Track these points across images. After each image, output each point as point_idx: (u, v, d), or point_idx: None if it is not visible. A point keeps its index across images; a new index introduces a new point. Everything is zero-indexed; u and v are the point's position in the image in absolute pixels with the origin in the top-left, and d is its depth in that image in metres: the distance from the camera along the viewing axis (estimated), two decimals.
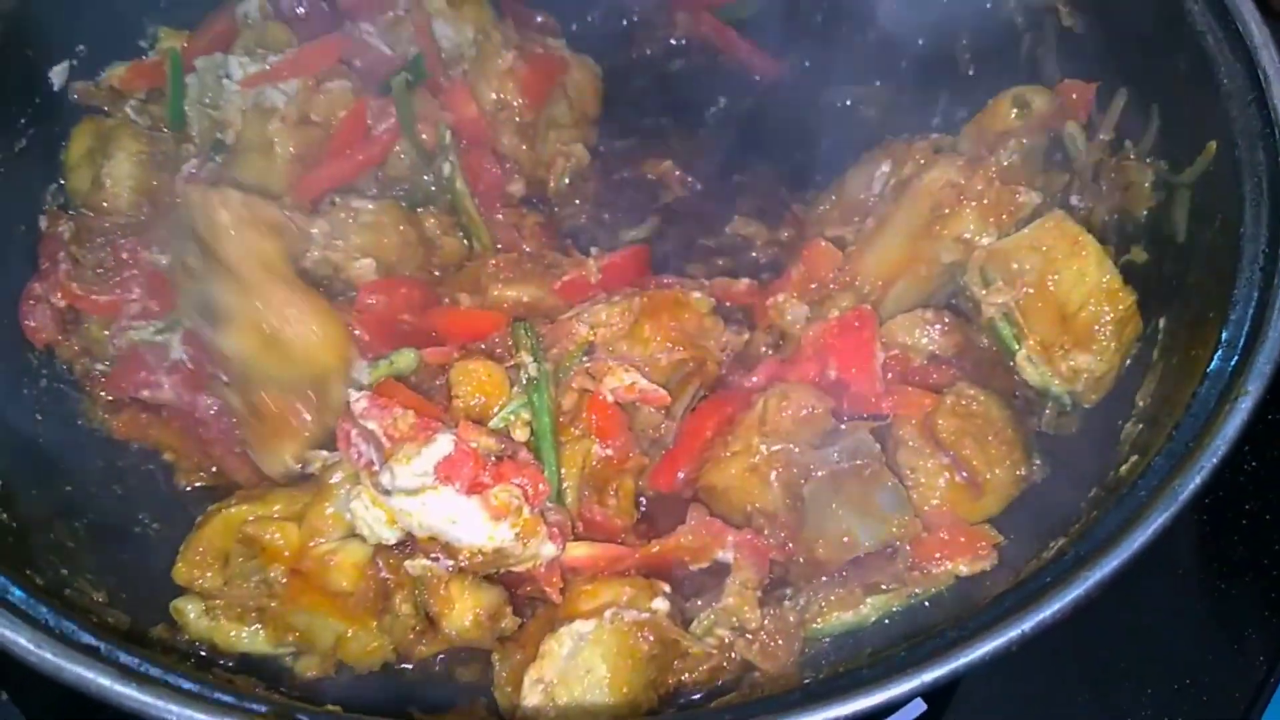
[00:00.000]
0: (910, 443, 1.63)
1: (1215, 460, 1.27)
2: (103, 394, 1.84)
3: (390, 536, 1.49)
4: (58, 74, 1.95)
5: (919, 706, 1.73)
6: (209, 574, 1.56)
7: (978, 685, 1.77)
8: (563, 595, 1.50)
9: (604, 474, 1.63)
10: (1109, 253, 1.71)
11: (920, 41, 2.21)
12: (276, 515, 1.56)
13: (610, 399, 1.64)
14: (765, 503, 1.60)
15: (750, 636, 1.45)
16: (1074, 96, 1.85)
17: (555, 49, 2.18)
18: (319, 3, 2.09)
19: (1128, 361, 1.70)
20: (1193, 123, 1.64)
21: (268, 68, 1.93)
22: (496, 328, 1.70)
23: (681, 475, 1.67)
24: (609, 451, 1.62)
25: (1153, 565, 1.23)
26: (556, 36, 2.24)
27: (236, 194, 1.66)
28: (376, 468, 1.47)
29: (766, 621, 1.47)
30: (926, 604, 1.54)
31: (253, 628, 1.52)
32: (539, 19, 2.26)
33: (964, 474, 1.60)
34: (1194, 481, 1.25)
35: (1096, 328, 1.69)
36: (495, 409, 1.59)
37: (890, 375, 1.71)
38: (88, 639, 1.14)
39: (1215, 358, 1.39)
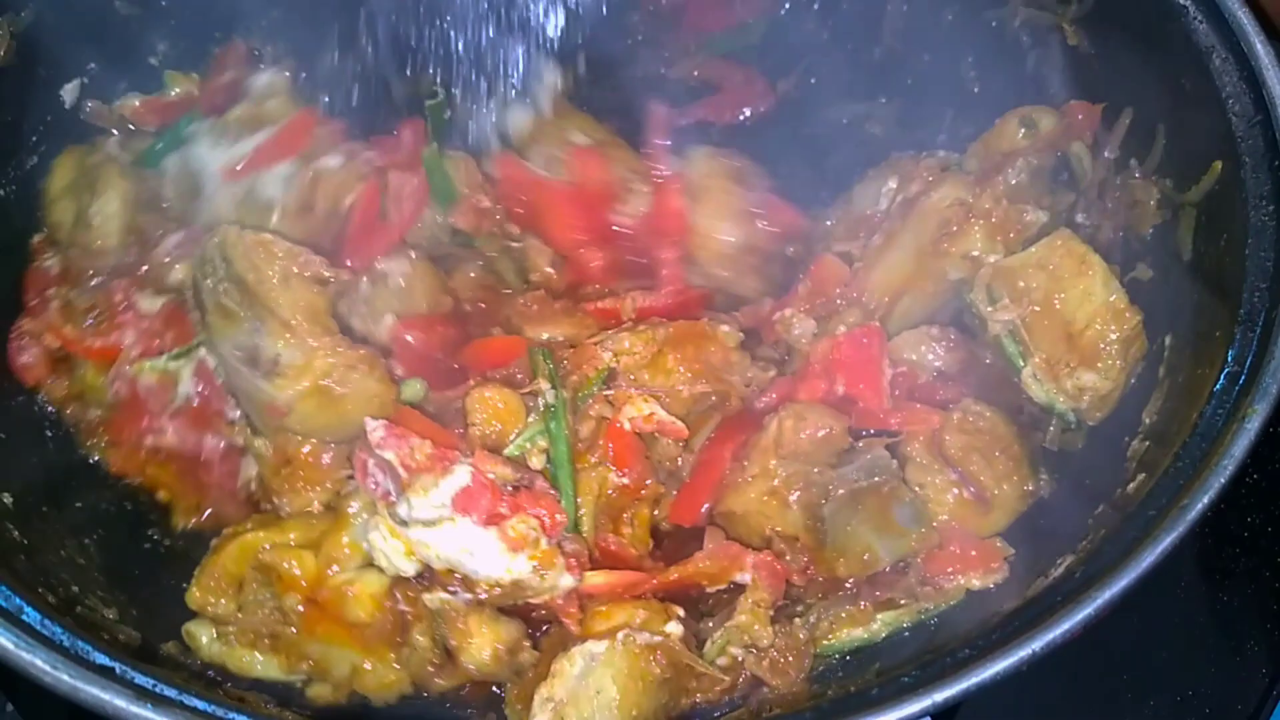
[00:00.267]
0: (918, 459, 1.64)
1: (1223, 480, 1.27)
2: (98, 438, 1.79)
3: (408, 568, 1.48)
4: (69, 92, 1.97)
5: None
6: (223, 600, 1.54)
7: (980, 697, 1.77)
8: (580, 625, 1.50)
9: (619, 502, 1.63)
10: (1115, 272, 1.72)
11: (926, 59, 2.22)
12: (293, 543, 1.55)
13: (628, 428, 1.63)
14: (785, 525, 1.60)
15: (760, 653, 1.45)
16: (1080, 117, 1.86)
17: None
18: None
19: (1132, 380, 1.71)
20: (1198, 142, 1.65)
21: (244, 153, 1.87)
22: (517, 354, 1.69)
23: (705, 508, 1.66)
24: (625, 480, 1.62)
25: (1155, 577, 1.23)
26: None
27: (284, 242, 1.64)
28: (394, 499, 1.46)
29: (777, 639, 1.48)
30: (934, 623, 1.55)
31: (266, 655, 1.51)
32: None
33: (972, 490, 1.61)
34: (1202, 501, 1.26)
35: (1102, 346, 1.70)
36: (511, 436, 1.58)
37: (897, 392, 1.72)
38: (102, 659, 1.15)
39: (1222, 376, 1.40)
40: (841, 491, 1.59)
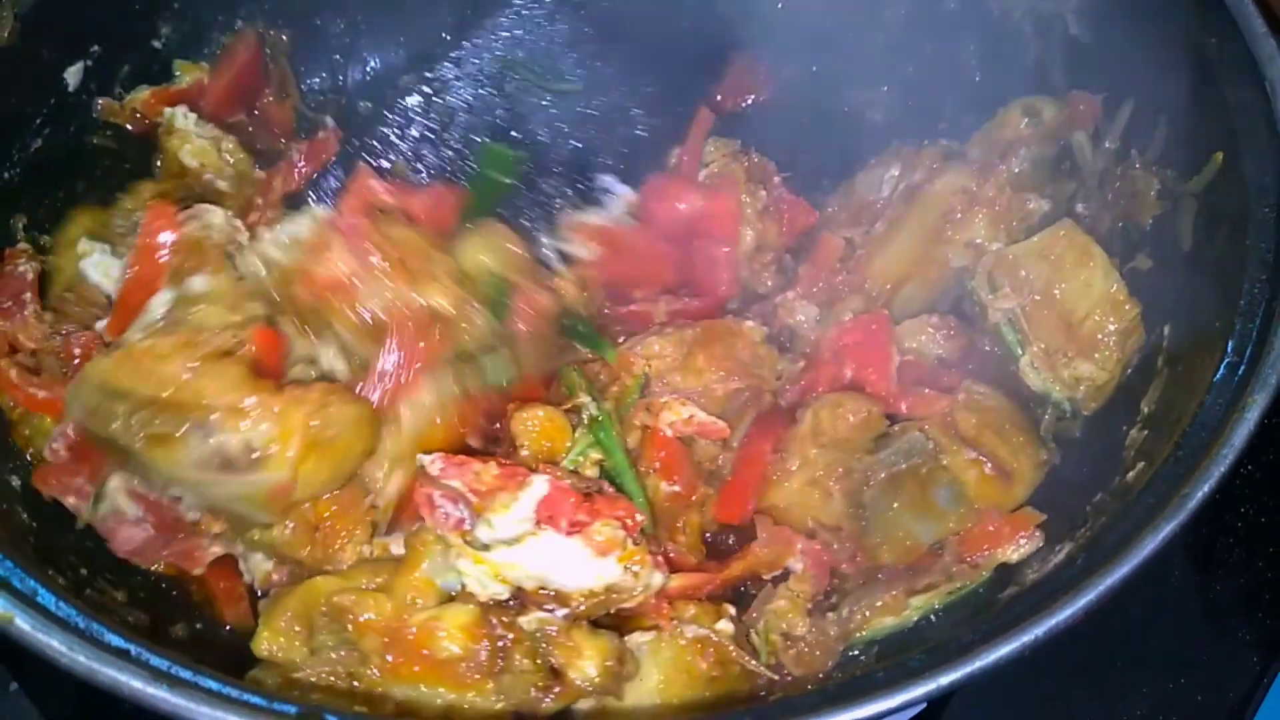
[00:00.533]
0: (937, 441, 1.66)
1: (1223, 469, 1.29)
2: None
3: (502, 591, 1.44)
4: (72, 75, 1.96)
5: (919, 704, 1.75)
6: (295, 643, 1.45)
7: (973, 686, 1.78)
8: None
9: (672, 510, 1.63)
10: (1115, 264, 1.73)
11: (928, 47, 2.22)
12: (365, 586, 1.47)
13: (670, 434, 1.64)
14: (827, 516, 1.63)
15: (790, 641, 1.47)
16: (1081, 107, 1.88)
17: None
18: None
19: (1129, 371, 1.73)
20: (1200, 133, 1.66)
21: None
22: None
23: (751, 506, 1.66)
24: (676, 487, 1.62)
25: (1148, 566, 1.25)
26: None
27: (157, 339, 1.50)
28: (469, 525, 1.43)
29: (810, 631, 1.50)
30: (933, 617, 1.57)
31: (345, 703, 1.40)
32: None
33: (992, 465, 1.64)
34: (1203, 489, 1.28)
35: (1100, 337, 1.72)
36: (563, 453, 1.57)
37: (901, 378, 1.74)
38: (117, 641, 1.16)
39: (1221, 366, 1.41)
40: (882, 476, 1.62)
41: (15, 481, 1.62)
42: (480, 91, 1.91)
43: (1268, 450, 1.99)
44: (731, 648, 1.46)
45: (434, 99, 1.90)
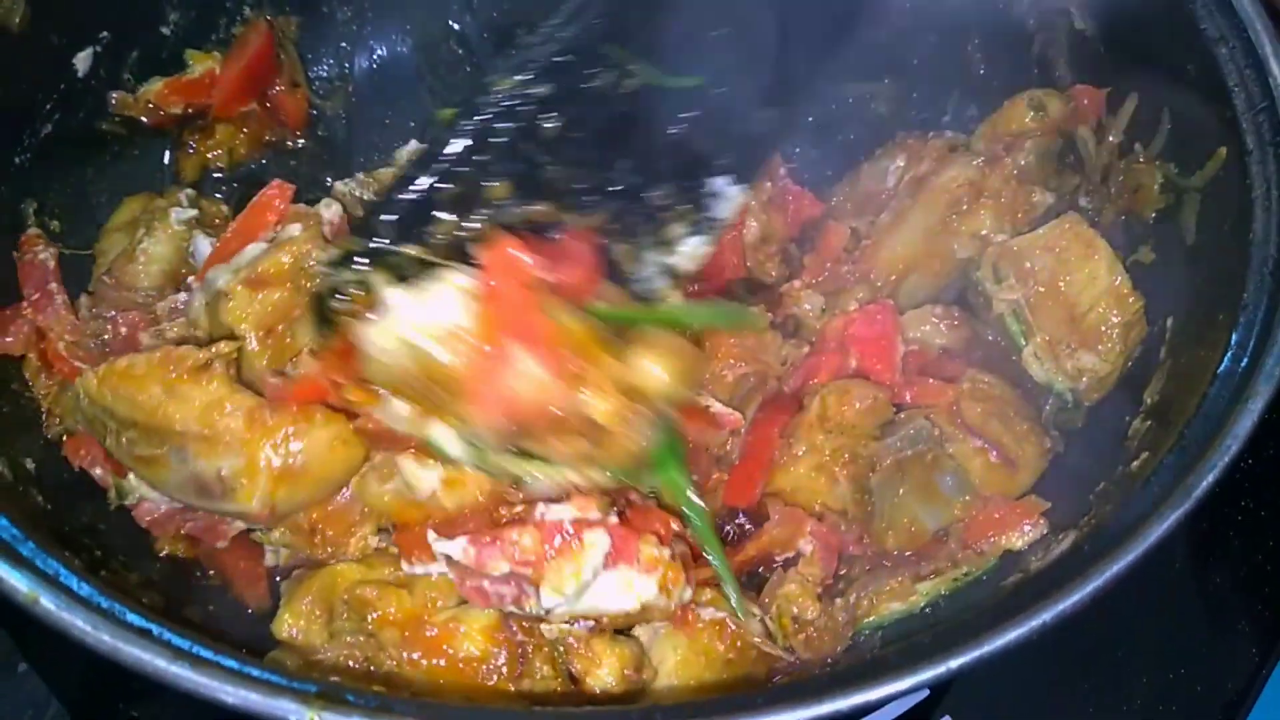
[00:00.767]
0: (943, 430, 1.68)
1: (1227, 459, 1.31)
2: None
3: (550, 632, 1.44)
4: (82, 61, 1.96)
5: (922, 691, 1.77)
6: (314, 627, 1.47)
7: (974, 673, 1.80)
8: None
9: None
10: (1119, 257, 1.75)
11: (932, 40, 2.23)
12: (389, 579, 1.48)
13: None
14: (833, 500, 1.64)
15: (800, 625, 1.49)
16: (1085, 101, 1.89)
17: None
18: None
19: (1129, 364, 1.75)
20: (1203, 128, 1.67)
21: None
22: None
23: (759, 489, 1.67)
24: (694, 478, 1.59)
25: (1148, 556, 1.26)
26: None
27: (138, 357, 1.51)
28: (530, 598, 1.39)
29: (820, 616, 1.52)
30: (940, 603, 1.59)
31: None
32: None
33: (997, 453, 1.66)
34: (1207, 479, 1.30)
35: (1104, 329, 1.74)
36: None
37: (906, 368, 1.76)
38: (138, 620, 1.17)
39: (1225, 359, 1.43)
40: (888, 462, 1.64)
41: (30, 464, 1.63)
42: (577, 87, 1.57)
43: (1268, 444, 2.01)
44: (747, 630, 1.48)
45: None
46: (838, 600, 1.56)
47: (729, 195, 1.71)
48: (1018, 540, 1.58)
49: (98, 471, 1.68)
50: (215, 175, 2.15)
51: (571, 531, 1.38)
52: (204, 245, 1.80)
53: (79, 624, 1.14)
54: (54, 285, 1.79)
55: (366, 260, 1.39)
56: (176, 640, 1.15)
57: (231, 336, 1.58)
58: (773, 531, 1.59)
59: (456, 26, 2.40)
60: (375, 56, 2.36)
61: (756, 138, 1.80)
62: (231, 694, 1.11)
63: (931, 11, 2.20)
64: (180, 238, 1.83)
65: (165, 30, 2.09)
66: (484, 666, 1.39)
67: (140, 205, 1.95)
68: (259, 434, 1.44)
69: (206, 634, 1.18)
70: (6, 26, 1.77)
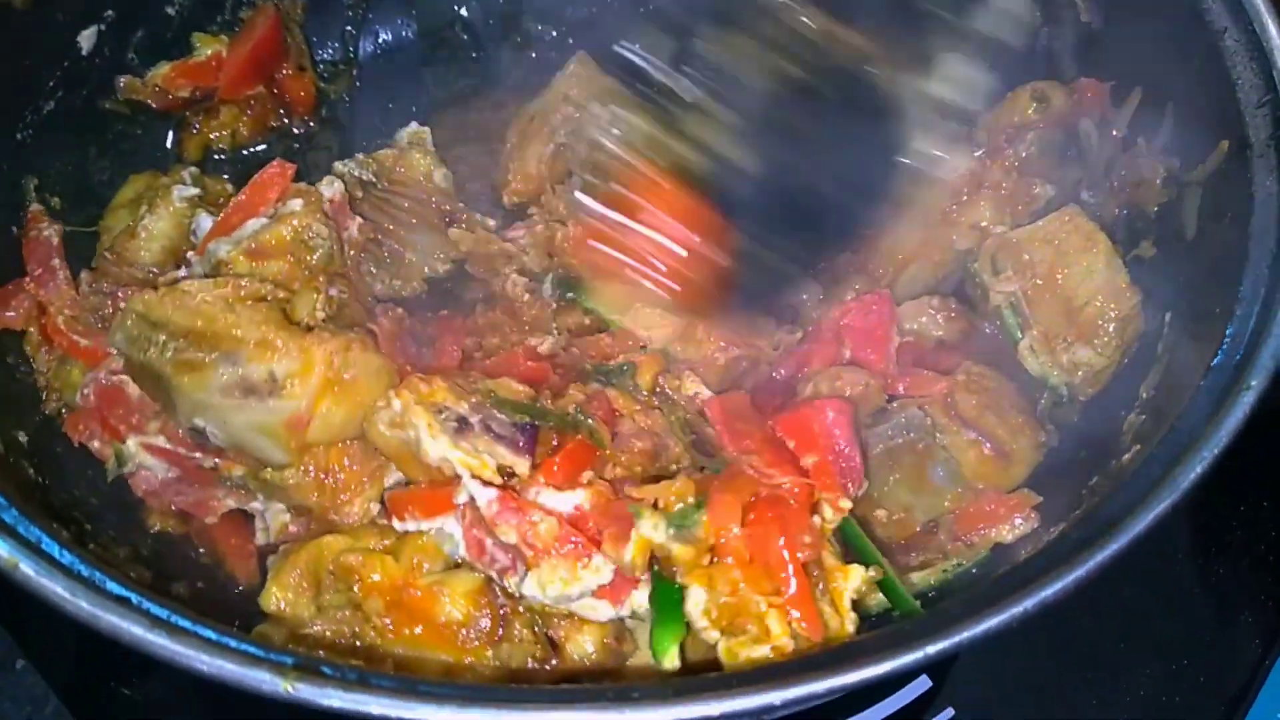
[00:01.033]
0: (937, 421, 1.67)
1: (1216, 451, 1.30)
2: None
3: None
4: (86, 38, 1.97)
5: (924, 683, 1.77)
6: (302, 600, 1.48)
7: (975, 664, 1.81)
8: None
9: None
10: (1119, 251, 1.74)
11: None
12: (373, 547, 1.49)
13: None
14: None
15: None
16: (1089, 94, 1.88)
17: None
18: None
19: (1125, 360, 1.74)
20: (1206, 122, 1.66)
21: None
22: None
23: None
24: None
25: (1150, 548, 1.25)
26: None
27: (198, 282, 1.59)
28: (516, 576, 1.41)
29: None
30: (929, 594, 1.58)
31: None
32: None
33: (991, 446, 1.65)
34: (1195, 471, 1.28)
35: (1100, 323, 1.73)
36: None
37: (901, 359, 1.75)
38: (118, 589, 1.18)
39: (1220, 352, 1.42)
40: (879, 449, 1.63)
41: (23, 437, 1.64)
42: None
43: (1271, 434, 1.99)
44: None
45: None
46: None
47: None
48: (1008, 534, 1.58)
49: (96, 444, 1.70)
50: (217, 156, 2.16)
51: (584, 548, 1.39)
52: (206, 223, 1.81)
53: (58, 590, 1.15)
54: (56, 261, 1.82)
55: None
56: (155, 609, 1.16)
57: None
58: None
59: (463, 12, 2.40)
60: (380, 41, 2.37)
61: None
62: (207, 663, 1.11)
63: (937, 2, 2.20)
64: (182, 215, 1.85)
65: (170, 10, 2.10)
66: (465, 631, 1.41)
67: (145, 183, 1.97)
68: (317, 342, 1.53)
69: (190, 607, 1.19)
70: (11, 3, 1.79)
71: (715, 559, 1.37)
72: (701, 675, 1.16)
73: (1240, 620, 1.92)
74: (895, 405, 1.70)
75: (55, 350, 1.77)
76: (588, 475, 1.47)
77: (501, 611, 1.43)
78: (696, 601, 1.35)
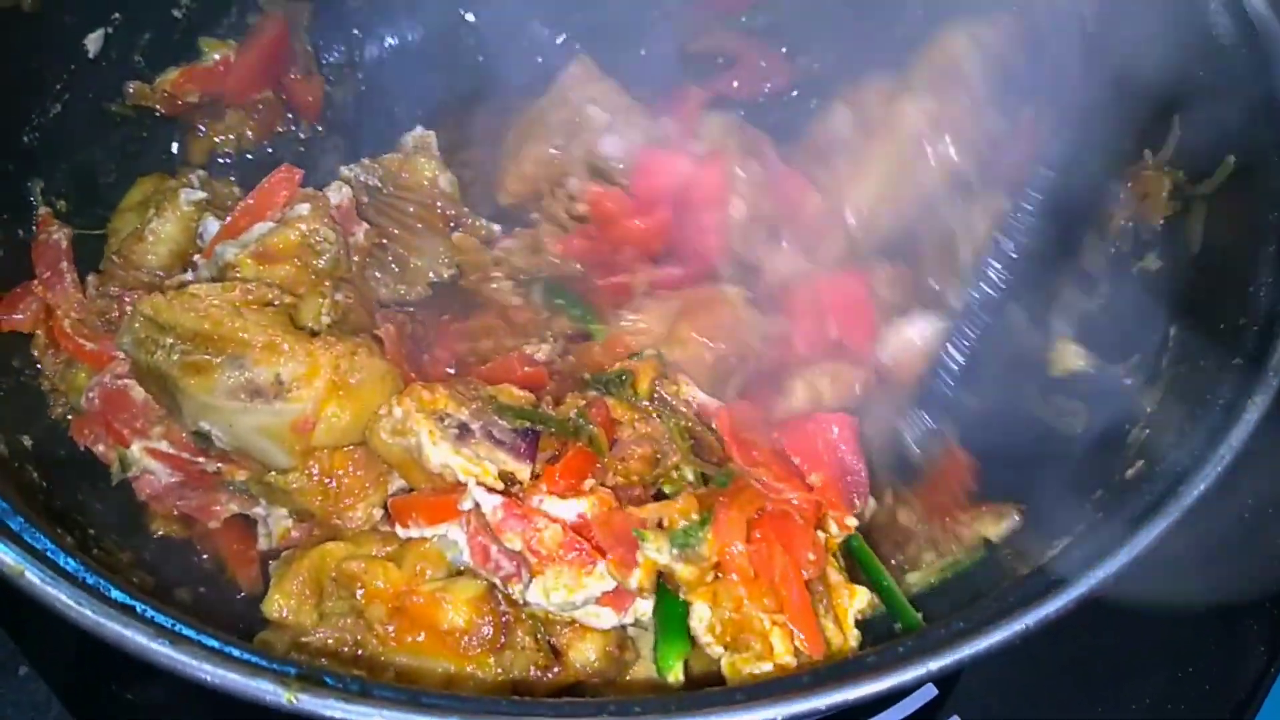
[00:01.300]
0: None
1: (1220, 469, 1.30)
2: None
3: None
4: (93, 41, 1.97)
5: (930, 692, 1.78)
6: (305, 608, 1.49)
7: (981, 673, 1.81)
8: None
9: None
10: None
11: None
12: (376, 554, 1.50)
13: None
14: None
15: None
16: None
17: None
18: None
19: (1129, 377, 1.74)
20: (1213, 136, 1.66)
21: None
22: None
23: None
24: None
25: (1155, 554, 1.26)
26: None
27: (207, 286, 1.60)
28: (521, 583, 1.41)
29: None
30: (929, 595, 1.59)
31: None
32: None
33: None
34: (1198, 489, 1.29)
35: None
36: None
37: None
38: (123, 597, 1.18)
39: (1225, 368, 1.42)
40: None
41: (27, 441, 1.64)
42: None
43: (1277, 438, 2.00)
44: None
45: None
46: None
47: None
48: (992, 531, 1.60)
49: (100, 449, 1.70)
50: (222, 160, 2.17)
51: (588, 555, 1.40)
52: (213, 226, 1.82)
53: (63, 599, 1.15)
54: (65, 265, 1.82)
55: None
56: (159, 618, 1.16)
57: None
58: None
59: (469, 17, 2.40)
60: (386, 45, 2.37)
61: None
62: (210, 673, 1.12)
63: (945, 12, 2.20)
64: (189, 218, 1.85)
65: (177, 13, 2.11)
66: (468, 638, 1.41)
67: (152, 186, 1.97)
68: (323, 347, 1.54)
69: (193, 614, 1.19)
70: (18, 5, 1.79)
71: (719, 575, 1.37)
72: (704, 690, 1.16)
73: (1246, 627, 1.92)
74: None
75: (61, 354, 1.77)
76: (589, 483, 1.47)
77: (504, 619, 1.43)
78: (701, 617, 1.35)
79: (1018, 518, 1.61)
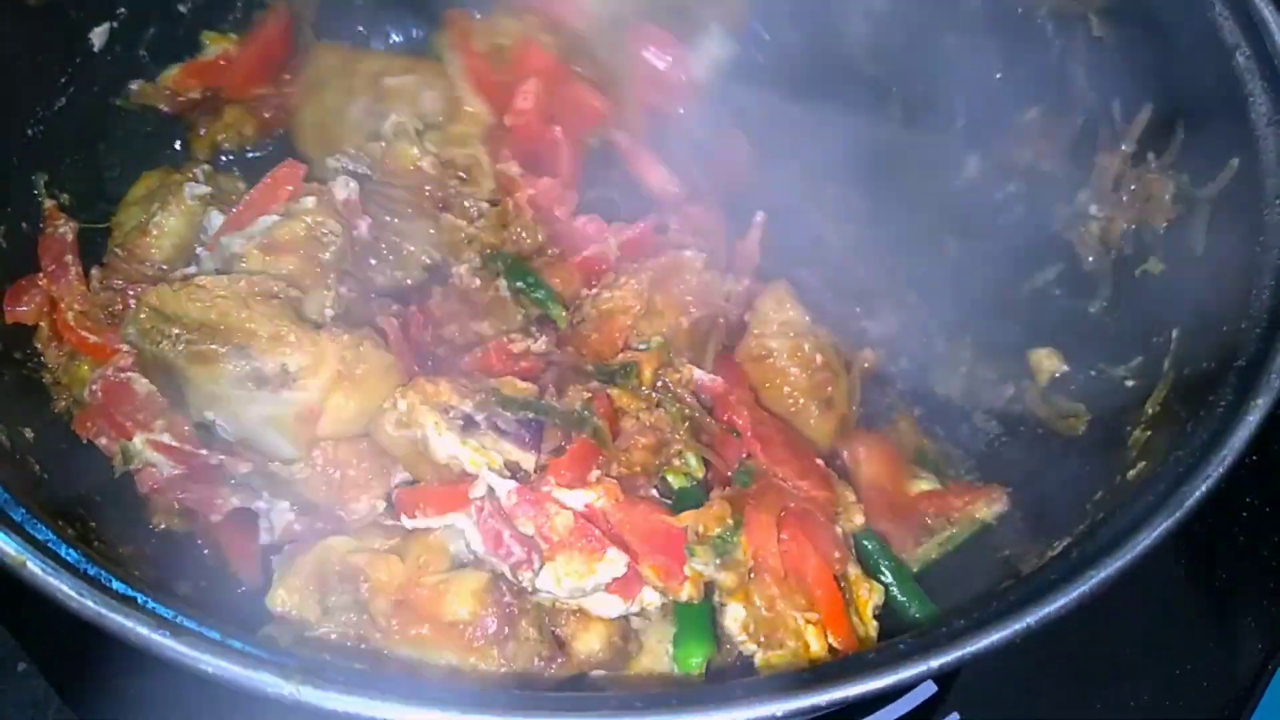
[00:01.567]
0: None
1: (1222, 470, 1.30)
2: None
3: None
4: (98, 36, 1.98)
5: (930, 689, 1.78)
6: (309, 601, 1.49)
7: (981, 670, 1.81)
8: None
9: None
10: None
11: (950, 42, 2.21)
12: (379, 548, 1.51)
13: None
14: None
15: None
16: None
17: None
18: None
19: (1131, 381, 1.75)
20: (1217, 139, 1.66)
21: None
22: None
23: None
24: None
25: (1154, 554, 1.26)
26: None
27: (212, 279, 1.60)
28: (532, 570, 1.43)
29: None
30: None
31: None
32: None
33: None
34: (1200, 490, 1.29)
35: None
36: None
37: None
38: (124, 589, 1.18)
39: (1226, 370, 1.42)
40: None
41: (30, 433, 1.64)
42: None
43: (1274, 439, 2.00)
44: None
45: None
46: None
47: None
48: (983, 511, 1.66)
49: (103, 441, 1.71)
50: (224, 157, 2.16)
51: (599, 541, 1.42)
52: (217, 220, 1.82)
53: (65, 589, 1.16)
54: (70, 258, 1.83)
55: None
56: (160, 609, 1.16)
57: None
58: None
59: (476, 15, 2.40)
60: (390, 42, 2.36)
61: None
62: (211, 665, 1.12)
63: (949, 16, 2.20)
64: (194, 212, 1.85)
65: (182, 8, 2.11)
66: (472, 630, 1.41)
67: (157, 179, 1.97)
68: (329, 339, 1.55)
69: (193, 607, 1.19)
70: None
71: (752, 575, 1.39)
72: (706, 685, 1.16)
73: (1243, 625, 1.92)
74: None
75: (65, 346, 1.78)
76: (595, 474, 1.49)
77: (508, 610, 1.44)
78: (735, 617, 1.37)
79: (1005, 501, 1.68)
